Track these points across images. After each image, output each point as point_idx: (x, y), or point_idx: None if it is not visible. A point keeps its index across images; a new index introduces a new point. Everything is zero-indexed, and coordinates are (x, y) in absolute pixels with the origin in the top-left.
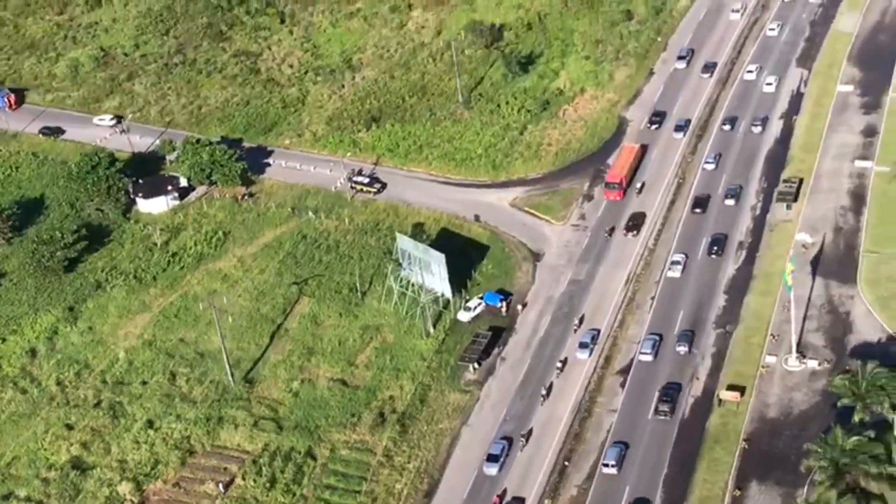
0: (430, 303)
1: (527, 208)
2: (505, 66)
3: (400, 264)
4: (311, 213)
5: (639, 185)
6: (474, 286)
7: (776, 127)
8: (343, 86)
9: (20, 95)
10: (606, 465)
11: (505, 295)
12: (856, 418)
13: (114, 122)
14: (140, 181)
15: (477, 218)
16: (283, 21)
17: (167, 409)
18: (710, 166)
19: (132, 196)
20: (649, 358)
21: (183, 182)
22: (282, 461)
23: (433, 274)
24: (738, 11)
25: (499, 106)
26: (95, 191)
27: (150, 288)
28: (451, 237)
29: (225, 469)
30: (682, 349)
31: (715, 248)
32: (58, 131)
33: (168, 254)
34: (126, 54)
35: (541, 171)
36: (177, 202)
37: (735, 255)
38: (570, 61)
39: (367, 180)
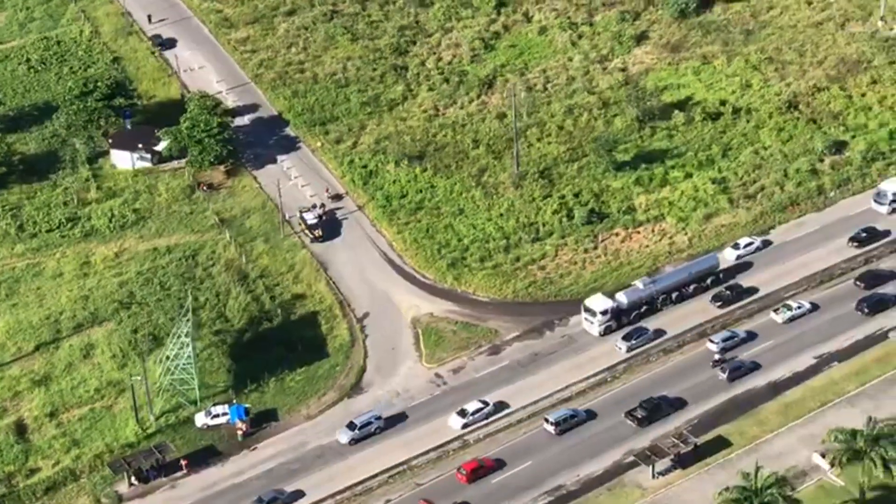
0: (175, 385)
1: (421, 330)
2: (594, 150)
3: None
4: (227, 235)
5: None
6: (255, 392)
7: None
8: (454, 103)
9: None
10: None
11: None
12: None
13: None
14: (128, 128)
15: (361, 318)
16: (500, 5)
17: None
18: None
19: (108, 141)
20: None
21: (163, 144)
22: None
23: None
24: None
25: (548, 197)
26: (74, 119)
27: (19, 244)
28: (307, 327)
29: None
30: None
31: None
32: (169, 44)
33: (69, 214)
34: None
35: (492, 296)
36: (147, 164)
37: None
38: (702, 176)
39: (314, 221)
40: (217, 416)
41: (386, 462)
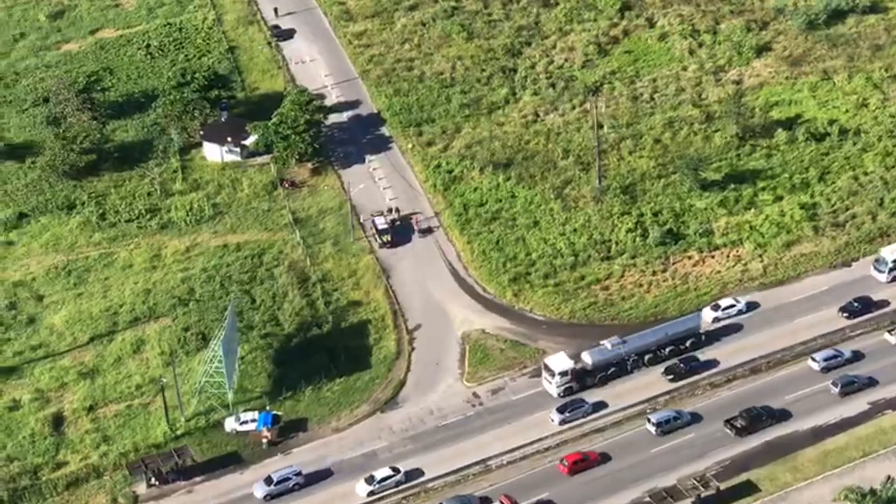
0: (209, 387)
1: (468, 346)
2: (679, 169)
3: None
4: (297, 236)
5: None
6: (290, 399)
7: None
8: (555, 110)
9: None
10: None
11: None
12: None
13: None
14: (223, 120)
15: (411, 330)
16: (625, 8)
17: None
18: None
19: (200, 133)
20: None
21: (251, 139)
22: None
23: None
24: None
25: (626, 214)
26: (171, 109)
27: (97, 233)
28: (355, 336)
29: None
30: None
31: None
32: (287, 35)
33: (150, 205)
34: None
35: (548, 315)
36: (236, 157)
37: None
38: (792, 200)
39: (385, 226)
40: (246, 422)
41: None
